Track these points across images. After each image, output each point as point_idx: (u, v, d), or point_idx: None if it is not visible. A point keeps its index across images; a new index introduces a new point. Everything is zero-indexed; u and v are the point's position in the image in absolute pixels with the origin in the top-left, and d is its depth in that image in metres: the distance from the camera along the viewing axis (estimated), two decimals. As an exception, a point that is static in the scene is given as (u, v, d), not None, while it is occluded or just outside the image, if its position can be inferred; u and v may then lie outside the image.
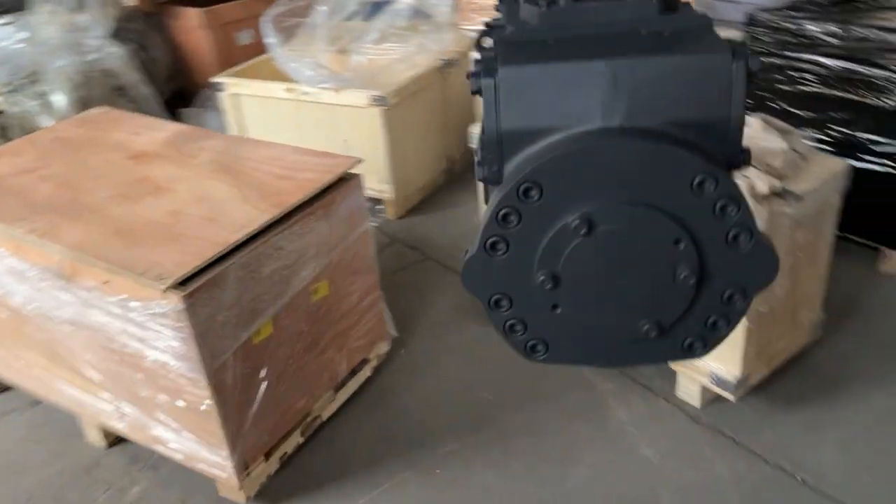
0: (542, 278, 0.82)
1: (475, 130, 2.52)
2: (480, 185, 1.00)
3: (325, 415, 2.22)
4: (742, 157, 0.78)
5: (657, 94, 0.78)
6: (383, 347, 2.41)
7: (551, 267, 0.82)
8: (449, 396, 2.33)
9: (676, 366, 2.17)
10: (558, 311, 0.85)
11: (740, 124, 0.77)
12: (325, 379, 2.19)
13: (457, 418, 2.24)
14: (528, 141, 0.83)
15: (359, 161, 2.09)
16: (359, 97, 3.14)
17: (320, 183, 1.99)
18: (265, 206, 1.91)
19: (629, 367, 0.87)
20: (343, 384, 2.27)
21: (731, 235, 0.78)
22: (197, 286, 1.69)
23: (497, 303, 0.86)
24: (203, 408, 1.83)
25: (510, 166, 0.85)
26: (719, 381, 2.06)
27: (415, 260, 3.03)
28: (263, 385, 1.95)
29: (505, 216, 0.81)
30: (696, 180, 0.76)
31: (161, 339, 1.77)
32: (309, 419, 2.16)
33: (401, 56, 3.36)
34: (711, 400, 2.17)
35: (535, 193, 0.80)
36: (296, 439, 2.12)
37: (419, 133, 3.41)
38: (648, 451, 2.06)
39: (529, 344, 0.88)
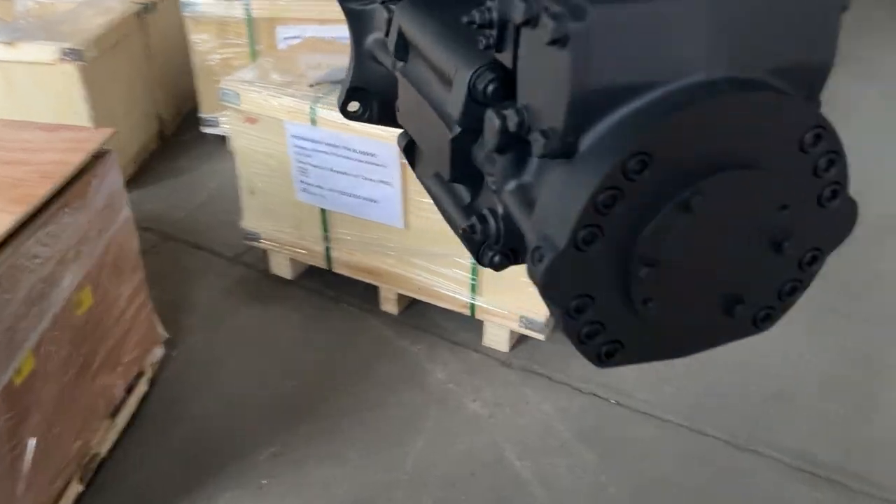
0: (644, 270, 0.67)
1: (228, 86, 2.17)
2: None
3: (104, 449, 1.80)
4: (818, 106, 0.70)
5: (761, 36, 0.66)
6: (157, 354, 2.02)
7: (653, 254, 0.67)
8: (248, 393, 2.05)
9: (483, 314, 2.16)
10: (649, 305, 0.70)
11: (831, 69, 0.69)
12: (101, 407, 1.77)
13: (267, 416, 1.98)
14: (618, 102, 0.65)
15: (112, 133, 1.66)
16: (44, 51, 2.53)
17: (71, 165, 1.54)
18: (1, 203, 1.43)
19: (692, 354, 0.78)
20: (119, 408, 1.86)
21: (825, 193, 0.70)
22: (-66, 328, 1.21)
23: (578, 308, 0.69)
24: (-42, 487, 1.35)
25: (590, 136, 0.66)
26: (530, 323, 2.09)
27: (153, 243, 2.58)
28: (33, 436, 1.49)
29: (608, 200, 0.63)
30: (810, 134, 0.66)
31: None
32: (86, 460, 1.73)
33: (86, -1, 2.78)
34: (516, 343, 2.21)
35: (642, 167, 0.63)
36: (75, 489, 1.69)
37: (124, 92, 2.88)
38: (476, 406, 2.03)
39: (606, 349, 0.72)
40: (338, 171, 2.12)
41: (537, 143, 0.64)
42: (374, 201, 2.11)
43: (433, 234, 2.08)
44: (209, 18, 2.89)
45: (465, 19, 0.75)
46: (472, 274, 2.09)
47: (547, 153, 0.65)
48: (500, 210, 0.74)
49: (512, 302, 2.08)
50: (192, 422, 1.95)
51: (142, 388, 1.95)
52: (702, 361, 2.16)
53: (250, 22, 2.87)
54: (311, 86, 2.13)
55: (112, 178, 1.68)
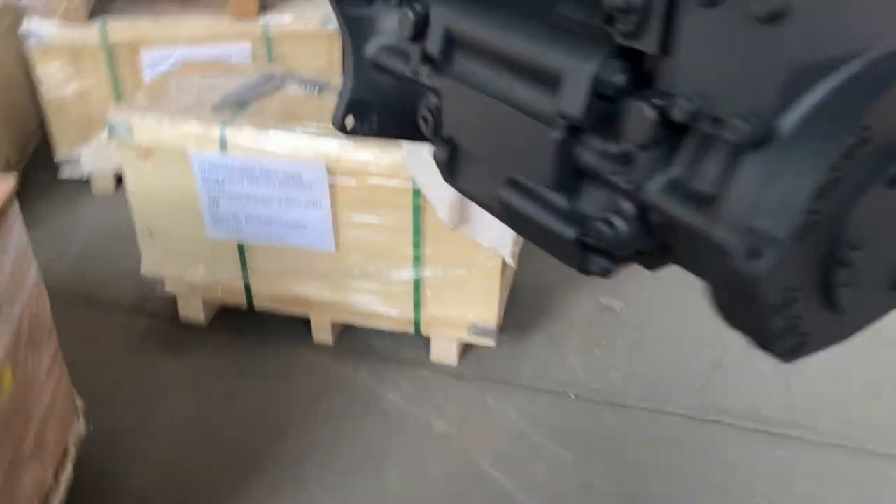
0: (853, 253, 0.64)
1: (117, 118, 1.94)
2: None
3: (40, 551, 1.54)
4: None
5: None
6: (79, 428, 1.76)
7: (861, 235, 0.65)
8: (188, 455, 1.84)
9: (429, 328, 2.08)
10: (845, 290, 0.67)
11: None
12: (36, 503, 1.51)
13: (216, 476, 1.78)
14: (824, 75, 0.62)
15: (18, 179, 1.42)
16: None
17: (-23, 224, 1.30)
18: None
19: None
20: (49, 497, 1.60)
21: None
22: None
23: (785, 304, 0.65)
24: None
25: (791, 117, 0.62)
26: (480, 331, 2.04)
27: (34, 304, 2.26)
28: (-28, 552, 1.24)
29: (832, 182, 0.60)
30: None
31: None
32: (24, 568, 1.47)
33: None
34: (463, 354, 2.15)
35: (863, 142, 0.60)
36: None
37: (-36, 138, 2.51)
38: (441, 426, 1.95)
39: (797, 342, 0.69)
40: (256, 200, 1.96)
41: (736, 129, 0.58)
42: (301, 226, 1.97)
43: (367, 252, 1.98)
44: (58, 47, 2.58)
45: (605, 4, 0.68)
46: (415, 288, 2.00)
47: (750, 140, 0.60)
48: (629, 211, 0.68)
49: (460, 310, 2.02)
50: (133, 497, 1.72)
51: (68, 469, 1.69)
52: (640, 341, 2.21)
53: (108, 48, 2.60)
54: (215, 109, 1.95)
55: (17, 233, 1.44)
